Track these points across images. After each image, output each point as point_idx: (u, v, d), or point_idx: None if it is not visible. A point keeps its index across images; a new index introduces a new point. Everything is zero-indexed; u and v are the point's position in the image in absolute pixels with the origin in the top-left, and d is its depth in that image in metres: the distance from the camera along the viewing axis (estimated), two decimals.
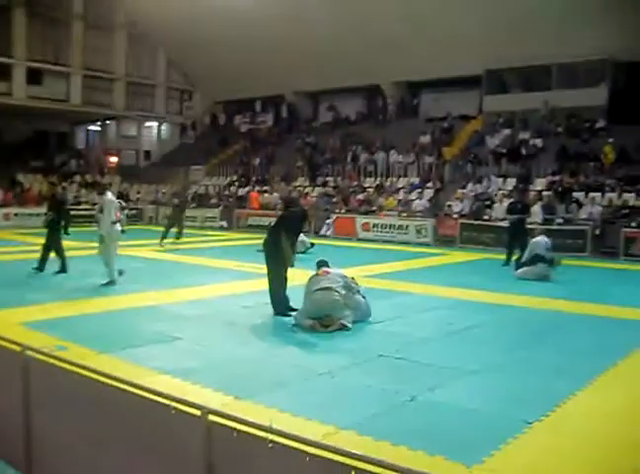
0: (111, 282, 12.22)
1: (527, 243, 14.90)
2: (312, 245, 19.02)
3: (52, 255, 13.88)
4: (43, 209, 15.78)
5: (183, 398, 3.31)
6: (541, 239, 14.61)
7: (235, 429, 3.02)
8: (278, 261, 9.76)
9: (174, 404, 3.26)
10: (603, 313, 10.54)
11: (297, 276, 10.10)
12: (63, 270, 13.80)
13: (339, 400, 6.07)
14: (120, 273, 12.50)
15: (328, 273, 9.26)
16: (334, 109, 36.40)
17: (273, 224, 10.63)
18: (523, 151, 25.64)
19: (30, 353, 4.22)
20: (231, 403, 5.71)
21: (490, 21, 26.12)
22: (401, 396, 6.13)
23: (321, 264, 9.63)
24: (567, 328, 9.56)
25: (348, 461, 2.63)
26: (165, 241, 20.47)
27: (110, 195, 12.97)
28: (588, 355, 7.93)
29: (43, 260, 13.81)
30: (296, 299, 9.51)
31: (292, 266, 9.73)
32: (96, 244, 13.06)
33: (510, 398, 6.19)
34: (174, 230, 21.24)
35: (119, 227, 12.89)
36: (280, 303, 9.82)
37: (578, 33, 24.55)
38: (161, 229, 21.51)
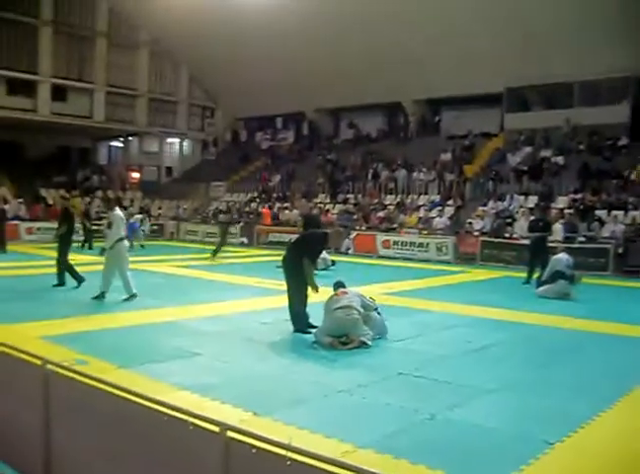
0: (100, 296, 12.23)
1: (549, 261, 14.80)
2: (333, 263, 19.01)
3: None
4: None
5: (201, 414, 3.31)
6: (562, 256, 14.52)
7: (254, 445, 3.01)
8: (297, 278, 9.78)
9: (192, 419, 3.26)
10: (625, 333, 10.42)
11: (317, 294, 10.09)
12: (61, 283, 13.81)
13: (358, 418, 6.04)
14: (133, 295, 12.43)
15: (346, 293, 9.27)
16: (354, 126, 36.50)
17: (293, 242, 10.64)
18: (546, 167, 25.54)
19: (50, 366, 4.24)
20: (250, 419, 5.70)
21: (511, 38, 26.11)
22: (420, 414, 6.09)
23: (338, 285, 9.62)
24: (588, 347, 9.46)
25: None
26: (217, 255, 21.28)
27: (118, 210, 12.98)
28: (610, 375, 7.84)
29: (61, 274, 13.90)
30: (316, 316, 9.50)
31: (317, 290, 9.72)
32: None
33: (530, 418, 6.13)
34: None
35: (126, 243, 12.92)
36: (299, 320, 9.81)
37: (600, 50, 24.48)
38: (180, 244, 21.72)
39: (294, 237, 11.16)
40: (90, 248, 23.30)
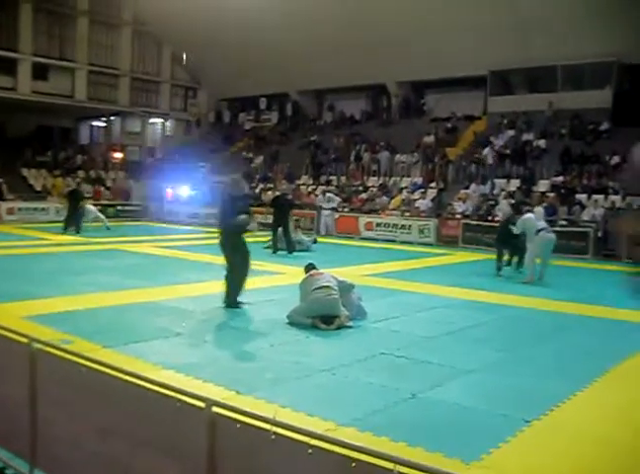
0: None
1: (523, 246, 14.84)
2: (315, 241, 19.20)
3: None
4: None
5: (187, 390, 3.37)
6: (529, 215, 14.57)
7: (238, 420, 3.07)
8: (237, 253, 10.16)
9: (178, 396, 3.32)
10: (604, 315, 10.59)
11: (291, 274, 10.16)
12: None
13: (340, 396, 6.13)
14: None
15: (321, 273, 9.33)
16: (333, 109, 36.48)
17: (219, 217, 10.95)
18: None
19: (37, 345, 4.27)
20: (233, 398, 5.77)
21: (496, 21, 26.10)
22: (401, 393, 6.19)
23: (310, 267, 9.68)
24: (567, 329, 9.61)
25: (349, 453, 2.69)
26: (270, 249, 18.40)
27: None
28: (588, 356, 7.99)
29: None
30: (289, 298, 9.58)
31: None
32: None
33: (509, 397, 6.25)
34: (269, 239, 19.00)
35: None
36: (235, 295, 10.13)
37: (584, 34, 24.53)
38: (163, 225, 21.47)
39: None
40: (77, 231, 22.39)
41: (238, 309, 10.05)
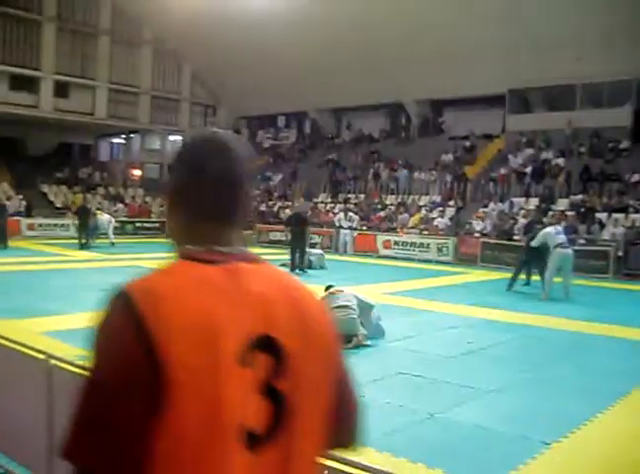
0: None
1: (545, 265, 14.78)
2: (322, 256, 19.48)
3: None
4: None
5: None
6: (550, 229, 14.56)
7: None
8: None
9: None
10: (625, 335, 10.46)
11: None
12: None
13: None
14: None
15: (341, 291, 9.29)
16: (351, 127, 36.59)
17: None
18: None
19: (54, 361, 4.27)
20: None
21: (514, 39, 26.09)
22: (419, 414, 6.13)
23: (330, 287, 9.65)
24: (587, 349, 9.49)
25: None
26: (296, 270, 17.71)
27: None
28: (608, 377, 7.87)
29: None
30: None
31: None
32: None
33: (528, 419, 6.16)
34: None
35: None
36: None
37: (603, 53, 24.47)
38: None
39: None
40: (87, 246, 22.89)
41: None
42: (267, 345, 1.32)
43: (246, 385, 1.29)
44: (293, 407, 1.35)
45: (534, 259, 15.28)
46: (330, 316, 1.56)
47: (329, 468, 2.67)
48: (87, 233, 23.27)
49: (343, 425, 1.54)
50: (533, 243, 14.57)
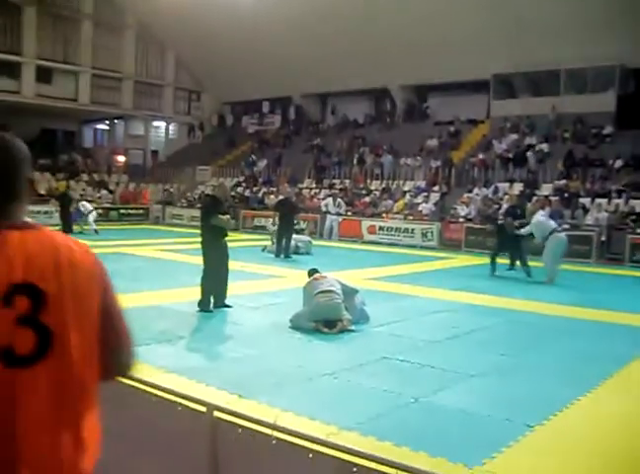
0: None
1: (520, 248, 14.96)
2: (310, 243, 19.35)
3: None
4: None
5: (189, 394, 3.35)
6: (539, 216, 14.64)
7: (240, 425, 3.05)
8: (213, 254, 10.21)
9: (180, 400, 3.30)
10: (608, 319, 10.56)
11: (294, 278, 10.14)
12: None
13: (342, 401, 6.10)
14: None
15: (324, 277, 9.33)
16: (336, 112, 36.55)
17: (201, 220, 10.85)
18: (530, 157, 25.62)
19: None
20: (235, 402, 5.74)
21: (499, 25, 26.09)
22: (404, 398, 6.17)
23: (313, 271, 9.69)
24: (571, 333, 9.56)
25: (350, 458, 2.66)
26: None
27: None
28: (592, 360, 7.94)
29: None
30: (294, 301, 9.56)
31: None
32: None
33: (512, 402, 6.22)
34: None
35: None
36: (207, 300, 10.03)
37: (587, 38, 24.49)
38: (166, 228, 21.47)
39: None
40: (68, 231, 22.75)
41: (228, 309, 10.14)
42: (26, 289, 1.67)
43: (9, 321, 1.64)
44: (61, 337, 1.70)
45: (508, 242, 15.45)
46: (93, 263, 1.90)
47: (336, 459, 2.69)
48: (69, 220, 23.07)
49: (115, 354, 1.96)
50: (523, 231, 14.66)
